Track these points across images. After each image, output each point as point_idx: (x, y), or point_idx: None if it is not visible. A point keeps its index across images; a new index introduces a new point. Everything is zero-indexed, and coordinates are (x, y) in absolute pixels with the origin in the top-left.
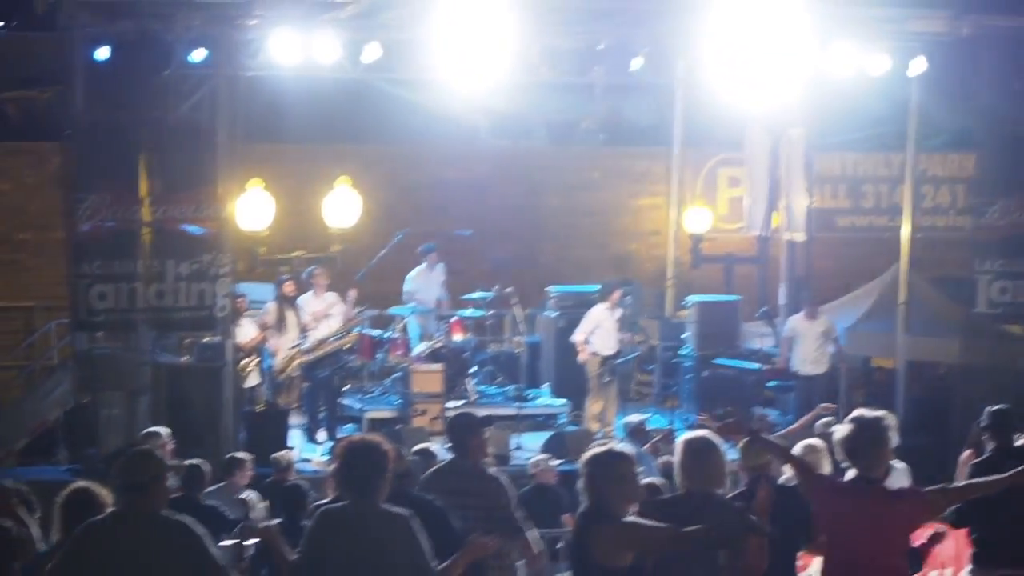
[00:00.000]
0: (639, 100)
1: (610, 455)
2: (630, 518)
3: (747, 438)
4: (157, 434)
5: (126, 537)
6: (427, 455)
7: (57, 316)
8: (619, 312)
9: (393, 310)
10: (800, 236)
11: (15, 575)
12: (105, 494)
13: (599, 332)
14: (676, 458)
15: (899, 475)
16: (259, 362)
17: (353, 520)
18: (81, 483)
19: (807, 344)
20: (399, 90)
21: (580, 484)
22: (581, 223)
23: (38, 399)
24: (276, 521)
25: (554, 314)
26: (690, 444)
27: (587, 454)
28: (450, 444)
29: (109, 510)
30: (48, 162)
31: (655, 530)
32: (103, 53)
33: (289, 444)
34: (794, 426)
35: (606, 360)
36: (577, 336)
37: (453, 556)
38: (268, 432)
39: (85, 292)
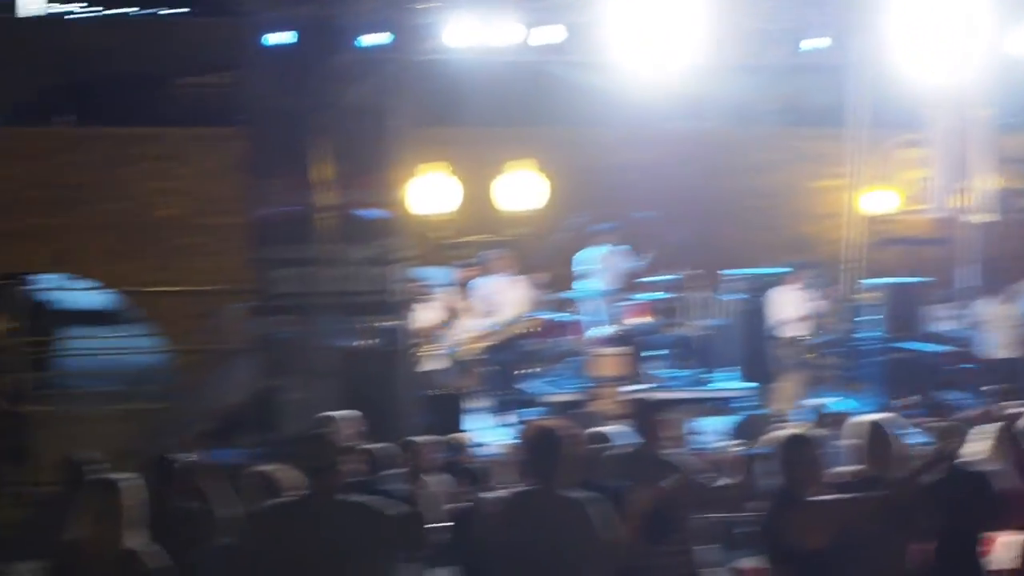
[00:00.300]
0: (818, 81)
1: (798, 439)
2: (819, 498)
3: (947, 421)
4: (332, 419)
5: (303, 521)
6: (603, 439)
7: (240, 300)
8: (808, 294)
9: (570, 293)
10: (987, 217)
11: (198, 554)
12: (285, 478)
13: (789, 314)
14: (852, 442)
15: None
16: (440, 346)
17: (529, 505)
18: (261, 467)
19: (998, 327)
20: (576, 73)
21: (768, 468)
22: (758, 205)
23: (221, 382)
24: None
25: (739, 296)
26: (864, 428)
27: (775, 438)
28: (631, 428)
29: (287, 494)
30: (226, 147)
31: (843, 505)
32: (280, 38)
33: (467, 427)
34: (974, 413)
35: (794, 342)
36: (774, 319)
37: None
38: (444, 415)
39: (265, 276)
